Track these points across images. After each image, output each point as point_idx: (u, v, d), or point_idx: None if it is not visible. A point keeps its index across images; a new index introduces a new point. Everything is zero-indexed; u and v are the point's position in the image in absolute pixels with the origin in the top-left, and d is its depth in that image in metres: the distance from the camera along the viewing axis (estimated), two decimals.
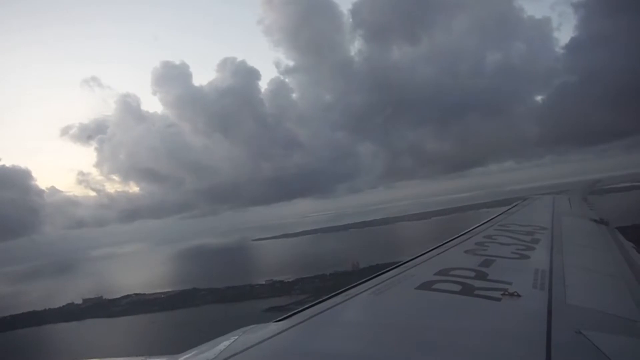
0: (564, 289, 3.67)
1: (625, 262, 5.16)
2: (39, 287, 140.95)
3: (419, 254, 5.12)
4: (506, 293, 3.37)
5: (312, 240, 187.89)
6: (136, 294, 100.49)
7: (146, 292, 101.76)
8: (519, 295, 3.33)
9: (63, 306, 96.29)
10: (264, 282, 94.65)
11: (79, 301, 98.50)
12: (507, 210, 9.85)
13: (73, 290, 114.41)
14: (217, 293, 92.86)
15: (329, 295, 3.67)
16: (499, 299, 3.29)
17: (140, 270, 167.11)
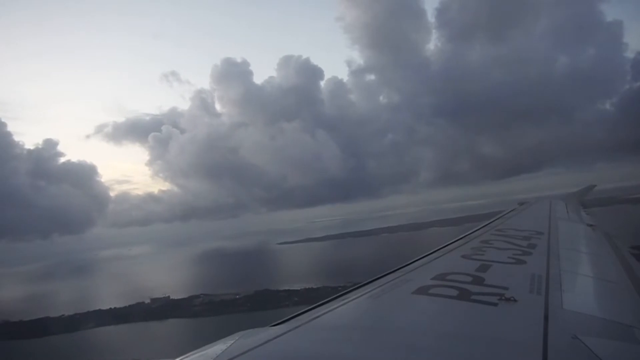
0: (561, 294, 3.56)
1: (622, 268, 4.99)
2: (93, 285, 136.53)
3: (416, 259, 4.99)
4: (503, 298, 3.27)
5: (348, 244, 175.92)
6: (205, 294, 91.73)
7: (214, 293, 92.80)
8: (515, 300, 3.23)
9: (131, 305, 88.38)
10: (344, 284, 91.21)
11: (147, 300, 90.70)
12: (504, 214, 9.56)
13: (128, 289, 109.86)
14: (297, 295, 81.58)
15: (326, 300, 3.55)
16: (495, 304, 3.18)
17: (178, 270, 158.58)
